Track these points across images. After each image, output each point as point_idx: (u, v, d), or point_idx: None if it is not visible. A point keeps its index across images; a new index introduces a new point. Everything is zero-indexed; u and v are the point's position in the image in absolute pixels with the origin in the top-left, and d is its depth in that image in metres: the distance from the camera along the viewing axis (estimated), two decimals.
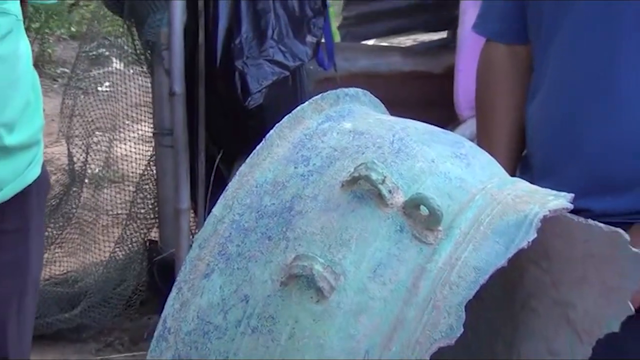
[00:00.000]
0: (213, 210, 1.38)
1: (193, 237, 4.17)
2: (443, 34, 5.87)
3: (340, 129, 1.44)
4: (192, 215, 4.23)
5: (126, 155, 5.07)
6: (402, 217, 1.30)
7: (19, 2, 2.44)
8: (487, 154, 1.58)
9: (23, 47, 2.48)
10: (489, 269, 1.27)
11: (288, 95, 4.05)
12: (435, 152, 1.42)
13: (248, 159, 1.43)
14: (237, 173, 1.41)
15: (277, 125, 1.45)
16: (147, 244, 4.39)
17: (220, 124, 4.13)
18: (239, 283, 1.31)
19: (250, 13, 3.98)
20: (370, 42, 5.33)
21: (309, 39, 4.09)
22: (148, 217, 4.43)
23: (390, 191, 1.31)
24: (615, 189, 2.00)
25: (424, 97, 4.98)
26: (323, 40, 4.23)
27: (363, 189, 1.32)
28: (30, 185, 2.52)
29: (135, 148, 5.23)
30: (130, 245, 4.43)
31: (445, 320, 1.24)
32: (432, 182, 1.36)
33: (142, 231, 4.45)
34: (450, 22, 5.32)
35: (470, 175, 1.41)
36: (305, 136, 1.43)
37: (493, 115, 2.23)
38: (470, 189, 1.39)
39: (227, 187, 1.41)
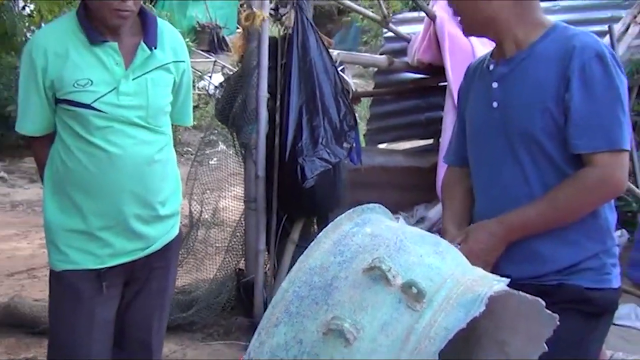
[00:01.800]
0: (282, 284, 1.45)
1: (266, 267, 4.20)
2: (430, 141, 5.81)
3: (363, 232, 1.50)
4: (266, 254, 4.20)
5: (226, 207, 5.06)
6: (400, 293, 1.36)
7: (170, 125, 2.49)
8: (456, 249, 1.61)
9: (172, 154, 2.51)
10: (455, 329, 1.31)
11: (330, 180, 4.05)
12: (423, 250, 1.48)
13: (306, 250, 1.48)
14: (298, 260, 1.47)
15: (324, 229, 1.51)
16: (237, 270, 4.35)
17: (287, 197, 4.11)
18: (296, 332, 1.37)
19: (308, 127, 3.99)
20: (383, 145, 5.32)
21: (345, 144, 4.10)
22: (238, 252, 4.40)
23: (393, 276, 1.37)
24: (523, 261, 1.99)
25: (417, 183, 4.93)
26: (354, 145, 4.23)
27: (376, 274, 1.39)
28: (172, 239, 2.53)
29: (232, 203, 5.22)
30: (226, 270, 4.39)
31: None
32: (420, 271, 1.41)
33: (234, 261, 4.41)
34: (435, 134, 5.27)
35: (445, 265, 1.47)
36: (342, 237, 1.49)
37: (451, 204, 2.24)
38: (444, 275, 1.43)
39: (291, 269, 1.46)
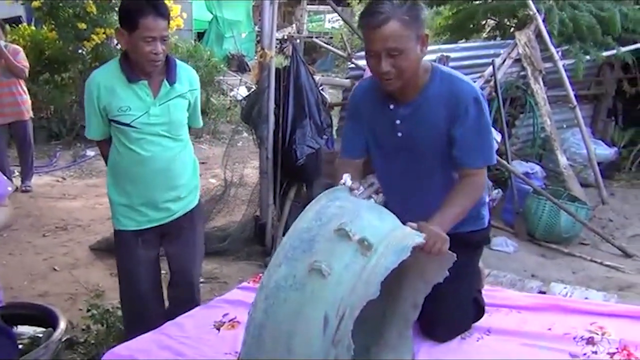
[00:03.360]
0: (284, 239, 1.43)
1: (273, 215, 4.14)
2: None
3: (334, 205, 1.51)
4: (273, 206, 4.16)
5: (248, 174, 5.02)
6: (357, 245, 1.40)
7: (187, 129, 2.39)
8: (392, 214, 1.59)
9: (188, 153, 2.41)
10: (391, 268, 1.36)
11: (314, 159, 4.03)
12: (371, 217, 1.51)
13: (298, 217, 1.47)
14: (293, 224, 1.45)
15: (311, 202, 1.50)
16: (255, 216, 4.31)
17: (286, 170, 4.08)
18: (291, 269, 1.38)
19: (300, 126, 3.97)
20: None
21: (324, 136, 4.07)
22: (256, 204, 4.37)
23: (353, 234, 1.41)
24: None
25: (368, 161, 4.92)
26: (329, 136, 4.21)
27: (342, 233, 1.38)
28: (192, 208, 2.45)
29: (251, 171, 5.20)
30: (248, 216, 4.36)
31: (373, 289, 1.34)
32: (369, 230, 1.42)
33: (253, 210, 4.37)
34: None
35: (384, 226, 1.50)
36: (321, 207, 1.51)
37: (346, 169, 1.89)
38: (384, 233, 1.44)
39: (289, 230, 1.44)
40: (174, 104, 2.26)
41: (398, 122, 1.87)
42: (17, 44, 5.86)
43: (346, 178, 1.63)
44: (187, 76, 2.32)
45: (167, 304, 2.59)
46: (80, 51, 7.20)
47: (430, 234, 1.55)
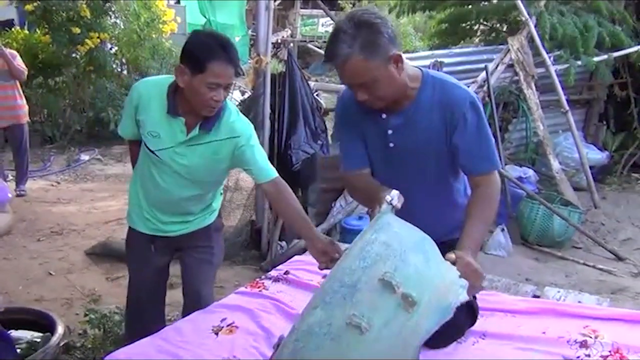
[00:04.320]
0: (323, 282, 1.38)
1: (269, 219, 4.12)
2: None
3: (379, 241, 1.40)
4: (269, 210, 4.15)
5: (243, 178, 4.93)
6: (400, 300, 1.33)
7: (217, 186, 2.34)
8: (437, 250, 1.47)
9: (209, 194, 2.29)
10: (431, 332, 1.35)
11: (309, 164, 4.04)
12: (417, 259, 1.42)
13: (342, 255, 1.40)
14: (337, 263, 1.38)
15: (357, 237, 1.42)
16: (251, 220, 4.31)
17: (282, 176, 4.01)
18: (328, 316, 1.33)
19: (295, 131, 4.00)
20: None
21: (319, 141, 4.10)
22: (251, 209, 4.37)
23: (397, 287, 1.33)
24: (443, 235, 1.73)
25: None
26: (324, 141, 4.22)
27: (387, 284, 1.34)
28: (207, 225, 2.35)
29: (247, 176, 5.11)
30: (244, 220, 4.36)
31: (410, 352, 1.30)
32: (414, 279, 1.37)
33: (249, 214, 4.37)
34: None
35: (430, 272, 1.43)
36: (365, 243, 1.40)
37: (363, 195, 1.91)
38: (429, 281, 1.40)
39: (332, 268, 1.39)
40: (200, 150, 2.10)
41: (390, 132, 1.79)
42: (10, 48, 5.85)
43: (394, 196, 1.50)
44: (231, 121, 2.11)
45: (168, 310, 2.58)
46: (74, 55, 7.20)
47: (468, 272, 1.48)
